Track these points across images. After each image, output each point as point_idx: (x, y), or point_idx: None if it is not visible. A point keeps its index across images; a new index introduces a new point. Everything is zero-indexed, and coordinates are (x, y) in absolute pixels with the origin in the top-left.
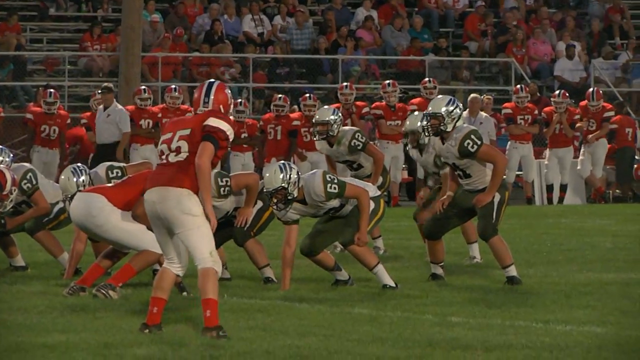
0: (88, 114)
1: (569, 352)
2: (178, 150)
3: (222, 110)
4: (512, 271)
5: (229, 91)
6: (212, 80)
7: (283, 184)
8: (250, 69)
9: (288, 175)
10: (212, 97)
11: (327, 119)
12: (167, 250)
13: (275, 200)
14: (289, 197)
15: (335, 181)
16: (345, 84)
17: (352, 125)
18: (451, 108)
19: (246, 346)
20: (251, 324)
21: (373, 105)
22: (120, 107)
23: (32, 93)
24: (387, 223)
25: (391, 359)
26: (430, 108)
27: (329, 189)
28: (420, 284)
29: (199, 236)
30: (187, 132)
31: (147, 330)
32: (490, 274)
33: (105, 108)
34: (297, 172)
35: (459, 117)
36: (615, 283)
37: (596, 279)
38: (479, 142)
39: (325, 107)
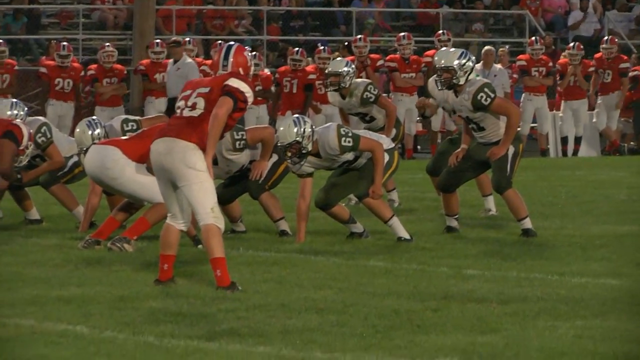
0: (95, 66)
1: (584, 305)
2: (193, 106)
3: (242, 73)
4: (527, 224)
5: (249, 53)
6: (232, 42)
7: (297, 138)
8: (265, 22)
9: (302, 129)
10: (231, 59)
11: (339, 70)
12: (170, 205)
13: (289, 154)
14: (303, 151)
15: (350, 134)
16: (359, 36)
17: (367, 78)
18: (463, 61)
19: (262, 299)
20: (267, 277)
21: (387, 57)
22: (189, 60)
23: (46, 46)
24: (401, 175)
25: (407, 312)
26: (442, 61)
27: (343, 143)
28: (435, 236)
29: (202, 191)
30: (206, 90)
31: (160, 286)
32: (506, 226)
33: (175, 62)
34: (311, 126)
35: (471, 70)
36: (630, 235)
37: (611, 231)
38: (492, 95)
39: (339, 58)
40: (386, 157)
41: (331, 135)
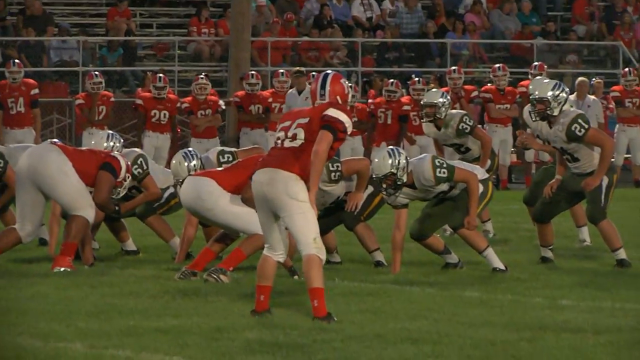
0: (189, 98)
1: None
2: (294, 137)
3: (340, 101)
4: (622, 254)
5: (346, 81)
6: (328, 71)
7: (392, 170)
8: (359, 53)
9: (397, 161)
10: (328, 88)
11: (435, 101)
12: (269, 236)
13: (384, 186)
14: (399, 182)
15: (445, 165)
16: (453, 67)
17: (461, 109)
18: (557, 92)
19: (357, 329)
20: (362, 308)
21: (482, 88)
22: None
23: (142, 78)
24: (496, 206)
25: (502, 342)
26: (536, 93)
27: (438, 174)
28: (529, 267)
29: (304, 221)
30: (305, 120)
31: (257, 317)
32: (600, 256)
33: (299, 92)
34: (406, 157)
35: (565, 100)
36: None
37: None
38: (586, 126)
39: (434, 89)
40: (481, 188)
41: (426, 167)
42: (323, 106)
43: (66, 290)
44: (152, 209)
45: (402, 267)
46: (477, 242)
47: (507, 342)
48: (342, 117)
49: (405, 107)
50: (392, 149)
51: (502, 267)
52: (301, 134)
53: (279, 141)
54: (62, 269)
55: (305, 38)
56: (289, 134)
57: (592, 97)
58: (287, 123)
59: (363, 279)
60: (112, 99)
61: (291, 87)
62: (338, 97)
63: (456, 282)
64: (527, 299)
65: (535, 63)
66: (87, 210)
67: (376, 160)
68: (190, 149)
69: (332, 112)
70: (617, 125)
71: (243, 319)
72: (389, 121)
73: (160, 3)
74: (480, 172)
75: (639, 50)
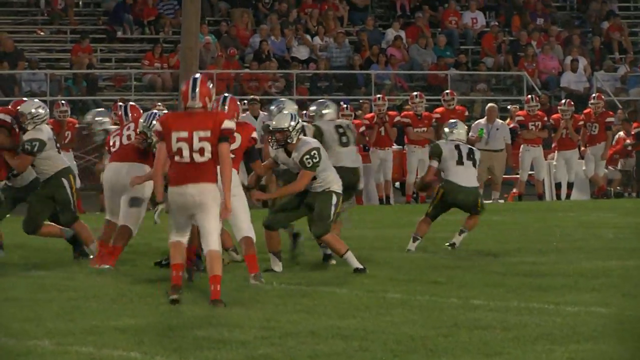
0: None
1: (577, 331)
2: (202, 152)
3: (208, 102)
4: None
5: (211, 84)
6: (197, 75)
7: (289, 128)
8: (294, 83)
9: (295, 123)
10: (197, 90)
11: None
12: (183, 227)
13: (274, 138)
14: (288, 141)
15: (315, 159)
16: (378, 95)
17: (385, 132)
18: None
19: (293, 327)
20: (297, 308)
21: (402, 114)
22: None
23: (102, 106)
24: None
25: (421, 338)
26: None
27: (305, 158)
28: (445, 270)
29: (216, 223)
30: (207, 134)
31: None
32: (508, 261)
33: (255, 117)
34: (303, 127)
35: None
36: (618, 269)
37: (600, 265)
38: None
39: (285, 111)
40: (334, 199)
41: (305, 148)
42: (218, 117)
43: (36, 294)
44: (74, 217)
45: (332, 271)
46: (337, 248)
47: (426, 338)
48: (233, 125)
49: None
50: (295, 113)
51: (362, 267)
52: (208, 148)
53: (186, 154)
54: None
55: (247, 70)
56: (196, 148)
57: (500, 121)
58: (185, 134)
59: (298, 281)
60: (77, 125)
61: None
62: (206, 98)
63: (380, 284)
64: (443, 299)
65: (447, 91)
66: None
67: (279, 113)
68: None
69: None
70: (522, 146)
71: (193, 319)
72: None
73: (118, 40)
74: (338, 185)
75: (541, 79)
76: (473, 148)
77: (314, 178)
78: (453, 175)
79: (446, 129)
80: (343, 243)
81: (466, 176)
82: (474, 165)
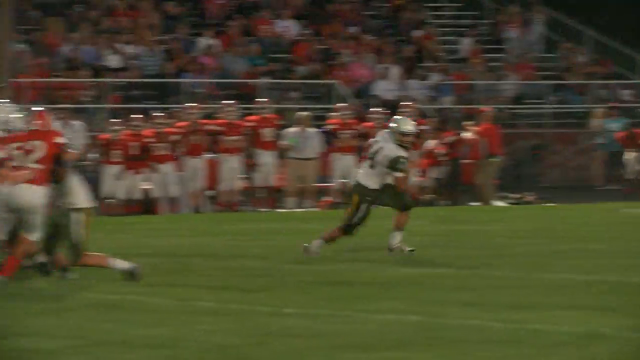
0: None
1: (386, 338)
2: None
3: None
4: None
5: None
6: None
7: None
8: (107, 92)
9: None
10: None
11: None
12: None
13: None
14: None
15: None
16: (190, 104)
17: (198, 140)
18: None
19: (104, 336)
20: (109, 317)
21: (214, 122)
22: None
23: None
24: (261, 226)
25: (232, 346)
26: None
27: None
28: (256, 280)
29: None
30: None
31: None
32: (318, 269)
33: (66, 126)
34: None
35: None
36: (424, 277)
37: (408, 273)
38: None
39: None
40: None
41: None
42: (49, 133)
43: None
44: None
45: (144, 280)
46: (98, 262)
47: (237, 346)
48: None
49: (149, 139)
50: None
51: (129, 266)
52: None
53: (20, 158)
54: None
55: (57, 79)
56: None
57: (312, 129)
58: (20, 144)
59: (110, 291)
60: None
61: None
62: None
63: (191, 293)
64: (254, 307)
65: (260, 99)
66: None
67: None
68: None
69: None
70: (334, 154)
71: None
72: (135, 152)
73: None
74: (84, 200)
75: (353, 87)
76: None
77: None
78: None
79: None
80: (98, 256)
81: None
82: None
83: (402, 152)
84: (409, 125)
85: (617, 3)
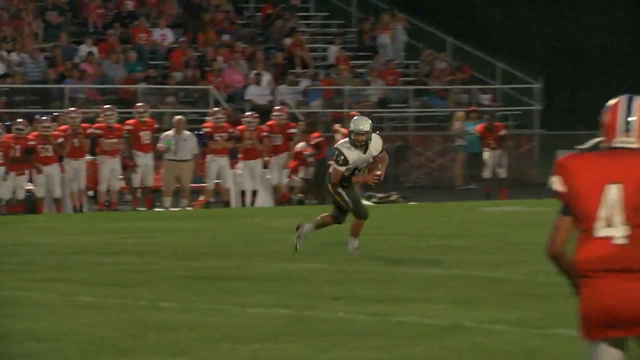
0: None
1: (259, 330)
2: None
3: None
4: None
5: None
6: None
7: None
8: None
9: None
10: None
11: None
12: None
13: None
14: None
15: None
16: (72, 108)
17: (79, 143)
18: None
19: None
20: None
21: (94, 125)
22: None
23: None
24: (141, 224)
25: (112, 339)
26: None
27: None
28: (135, 275)
29: None
30: None
31: None
32: (195, 266)
33: None
34: None
35: None
36: (297, 272)
37: (282, 268)
38: None
39: None
40: None
41: None
42: None
43: None
44: None
45: (28, 276)
46: None
47: (116, 338)
48: None
49: (31, 142)
50: None
51: None
52: None
53: None
54: None
55: None
56: None
57: (188, 132)
58: None
59: None
60: None
61: None
62: None
63: (73, 288)
64: (133, 302)
65: (138, 104)
66: None
67: None
68: None
69: None
70: (209, 156)
71: None
72: (18, 154)
73: None
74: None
75: (227, 92)
76: None
77: None
78: None
79: None
80: None
81: None
82: None
83: (345, 147)
84: (359, 125)
85: (476, 13)
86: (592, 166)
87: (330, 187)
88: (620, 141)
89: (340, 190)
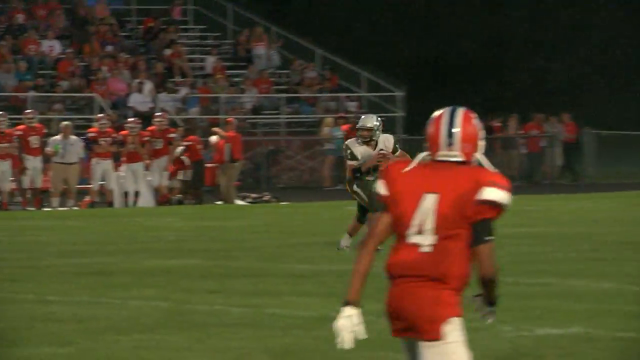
0: None
1: (140, 322)
2: None
3: None
4: None
5: None
6: None
7: None
8: None
9: None
10: None
11: None
12: None
13: None
14: None
15: None
16: None
17: None
18: None
19: None
20: None
21: None
22: None
23: None
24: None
25: (1, 330)
26: None
27: None
28: (17, 270)
29: None
30: None
31: None
32: (80, 262)
33: None
34: None
35: None
36: (178, 267)
37: (162, 264)
38: None
39: None
40: None
41: None
42: None
43: None
44: None
45: None
46: None
47: (5, 330)
48: None
49: None
50: None
51: None
52: None
53: None
54: None
55: None
56: None
57: (74, 137)
58: None
59: None
60: None
61: None
62: None
63: (9, 283)
64: (21, 295)
65: (28, 110)
66: None
67: None
68: None
69: None
70: (93, 159)
71: None
72: None
73: None
74: None
75: (111, 99)
76: None
77: None
78: None
79: None
80: None
81: None
82: None
83: (354, 144)
84: (363, 122)
85: (343, 26)
86: (413, 174)
87: (347, 187)
88: (443, 155)
89: (356, 188)
